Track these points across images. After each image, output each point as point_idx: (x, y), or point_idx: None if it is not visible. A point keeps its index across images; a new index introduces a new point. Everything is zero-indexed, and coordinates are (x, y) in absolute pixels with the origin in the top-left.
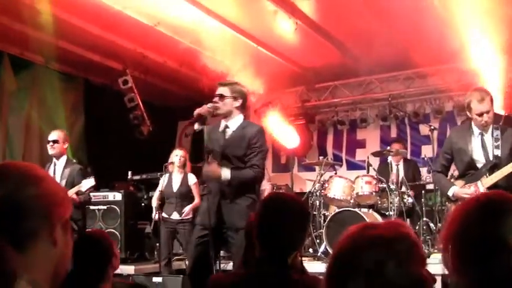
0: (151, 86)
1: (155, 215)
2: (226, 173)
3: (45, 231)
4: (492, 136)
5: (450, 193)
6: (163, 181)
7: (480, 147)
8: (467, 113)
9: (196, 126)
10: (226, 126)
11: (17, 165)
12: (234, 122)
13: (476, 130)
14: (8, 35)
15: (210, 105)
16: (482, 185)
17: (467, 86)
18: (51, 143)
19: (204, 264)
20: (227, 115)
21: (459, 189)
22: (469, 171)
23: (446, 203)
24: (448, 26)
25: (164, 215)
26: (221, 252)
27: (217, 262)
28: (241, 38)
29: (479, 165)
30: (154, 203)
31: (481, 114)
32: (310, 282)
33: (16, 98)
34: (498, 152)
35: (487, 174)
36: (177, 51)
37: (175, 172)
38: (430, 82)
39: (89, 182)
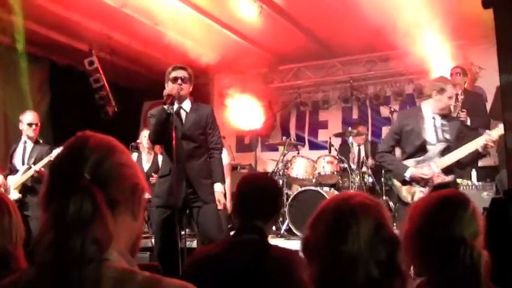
0: (117, 67)
1: None
2: (220, 188)
3: (131, 203)
4: (440, 121)
5: (408, 174)
6: None
7: (432, 130)
8: (436, 96)
9: (166, 106)
10: (180, 108)
11: (100, 137)
12: (186, 104)
13: (428, 114)
14: None
15: (177, 86)
16: (437, 166)
17: (426, 71)
18: (33, 126)
19: (171, 244)
20: (182, 98)
21: (416, 170)
22: (419, 153)
23: (394, 182)
24: (408, 10)
25: None
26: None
27: (183, 240)
28: (205, 20)
29: (429, 147)
30: None
31: (451, 98)
32: (284, 249)
33: None
34: (447, 136)
35: (439, 156)
36: (142, 33)
37: (145, 153)
38: (391, 65)
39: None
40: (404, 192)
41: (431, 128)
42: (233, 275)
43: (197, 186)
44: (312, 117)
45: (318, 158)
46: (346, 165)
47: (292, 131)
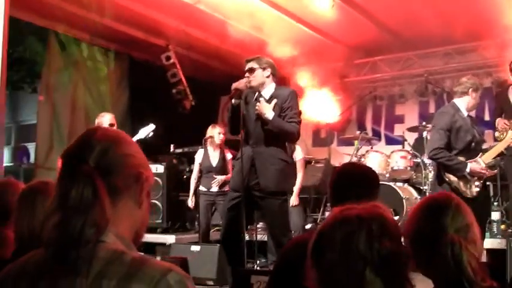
0: (194, 62)
1: (194, 189)
2: (270, 113)
3: (133, 191)
4: (471, 119)
5: (468, 170)
6: (199, 155)
7: (471, 126)
8: (472, 93)
9: (233, 100)
10: (260, 95)
11: (109, 129)
12: (267, 91)
13: (464, 111)
14: (53, 13)
15: (245, 79)
16: (483, 161)
17: (505, 63)
18: (113, 127)
19: (235, 231)
20: (260, 86)
21: (474, 165)
22: (467, 149)
23: (450, 178)
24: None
25: (203, 188)
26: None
27: (251, 225)
28: (280, 15)
29: (473, 144)
30: (194, 176)
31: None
32: None
33: (62, 75)
34: (477, 133)
35: (479, 153)
36: (217, 28)
37: (213, 147)
38: (469, 58)
39: (146, 129)
40: (462, 187)
41: (469, 124)
42: None
43: (262, 173)
44: (388, 112)
45: (391, 152)
46: (419, 160)
47: (368, 125)
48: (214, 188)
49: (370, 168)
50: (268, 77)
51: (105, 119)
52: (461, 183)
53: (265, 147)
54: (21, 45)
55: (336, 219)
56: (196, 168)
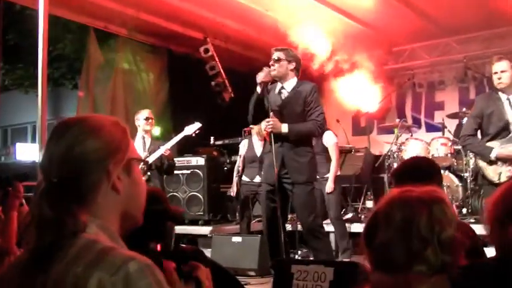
0: (232, 54)
1: (236, 180)
2: (284, 127)
3: (104, 183)
4: None
5: (493, 154)
6: (243, 146)
7: (510, 110)
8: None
9: (258, 90)
10: (282, 88)
11: (73, 120)
12: (289, 84)
13: (503, 95)
14: (92, 10)
15: (266, 68)
16: None
17: None
18: (150, 120)
19: (276, 222)
20: (282, 77)
21: (501, 150)
22: (502, 134)
23: (479, 163)
24: None
25: (246, 178)
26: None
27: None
28: (318, 5)
29: (511, 127)
30: (238, 165)
31: (495, 73)
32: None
33: (102, 70)
34: None
35: None
36: (254, 19)
37: (256, 137)
38: (508, 42)
39: (192, 127)
40: (491, 172)
41: (509, 108)
42: None
43: (290, 165)
44: (427, 99)
45: (432, 139)
46: (460, 147)
47: (408, 113)
48: (257, 179)
49: (432, 160)
50: (292, 70)
51: (142, 114)
52: (490, 169)
53: (290, 142)
54: (61, 42)
55: (394, 200)
56: (240, 158)
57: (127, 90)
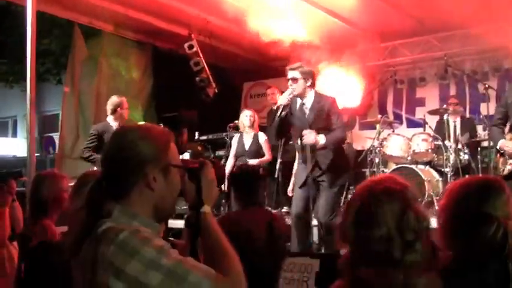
0: (216, 50)
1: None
2: (321, 139)
3: (141, 182)
4: None
5: (498, 145)
6: (235, 141)
7: None
8: None
9: (279, 113)
10: (303, 104)
11: (129, 128)
12: (309, 99)
13: None
14: (77, 5)
15: (287, 93)
16: None
17: None
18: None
19: (304, 220)
20: (302, 95)
21: (504, 142)
22: None
23: (497, 155)
24: None
25: None
26: None
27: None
28: (300, 1)
29: None
30: (230, 161)
31: None
32: None
33: (87, 66)
34: None
35: None
36: (238, 16)
37: (246, 131)
38: (488, 40)
39: None
40: (500, 164)
41: None
42: None
43: (324, 171)
44: (409, 95)
45: (413, 135)
46: (440, 143)
47: (390, 109)
48: None
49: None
50: (309, 86)
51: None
52: (501, 160)
53: (321, 150)
54: (47, 37)
55: (354, 199)
56: (232, 153)
57: (112, 86)
